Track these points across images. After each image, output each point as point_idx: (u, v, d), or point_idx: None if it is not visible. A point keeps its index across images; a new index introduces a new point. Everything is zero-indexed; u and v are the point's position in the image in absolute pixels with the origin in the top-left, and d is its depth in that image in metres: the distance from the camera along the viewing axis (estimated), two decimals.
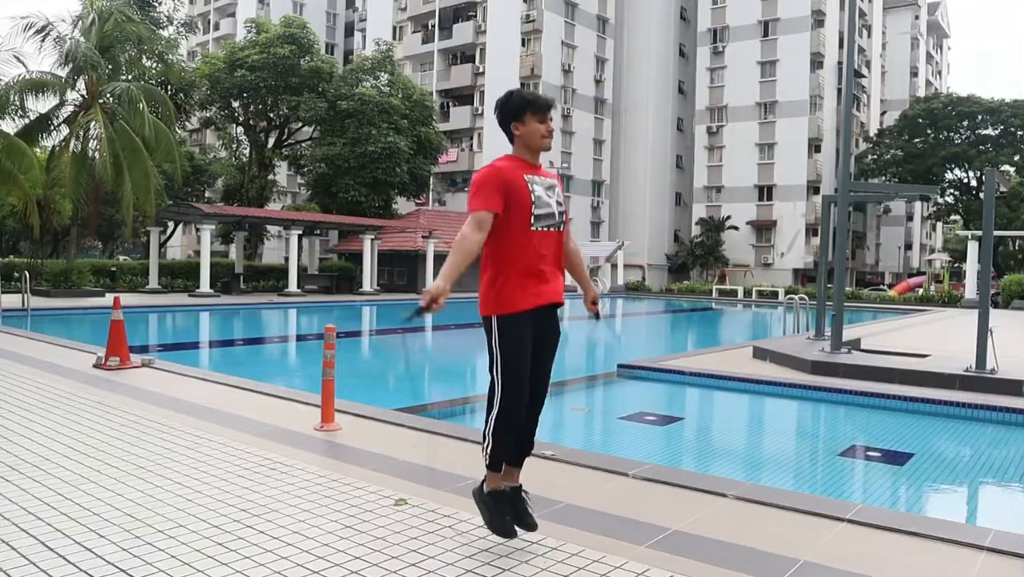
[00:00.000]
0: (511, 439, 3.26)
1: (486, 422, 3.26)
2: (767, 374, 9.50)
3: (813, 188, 46.80)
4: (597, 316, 3.76)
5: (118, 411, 6.09)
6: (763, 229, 48.30)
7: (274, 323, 20.43)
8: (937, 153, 48.33)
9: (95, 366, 8.31)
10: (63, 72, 22.18)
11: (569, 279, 3.79)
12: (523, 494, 3.36)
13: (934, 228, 70.36)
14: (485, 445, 3.26)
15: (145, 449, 4.91)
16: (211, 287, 26.19)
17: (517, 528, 3.30)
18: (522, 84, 45.21)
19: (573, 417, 8.39)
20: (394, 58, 38.76)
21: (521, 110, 3.25)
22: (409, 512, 3.78)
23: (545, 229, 3.24)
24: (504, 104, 3.30)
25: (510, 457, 3.33)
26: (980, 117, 48.13)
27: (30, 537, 3.35)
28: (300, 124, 36.41)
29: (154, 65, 26.86)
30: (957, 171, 50.50)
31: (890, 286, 44.55)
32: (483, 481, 3.37)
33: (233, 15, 61.28)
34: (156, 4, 32.10)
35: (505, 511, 3.28)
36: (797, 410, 8.86)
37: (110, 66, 23.12)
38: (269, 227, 36.66)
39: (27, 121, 22.47)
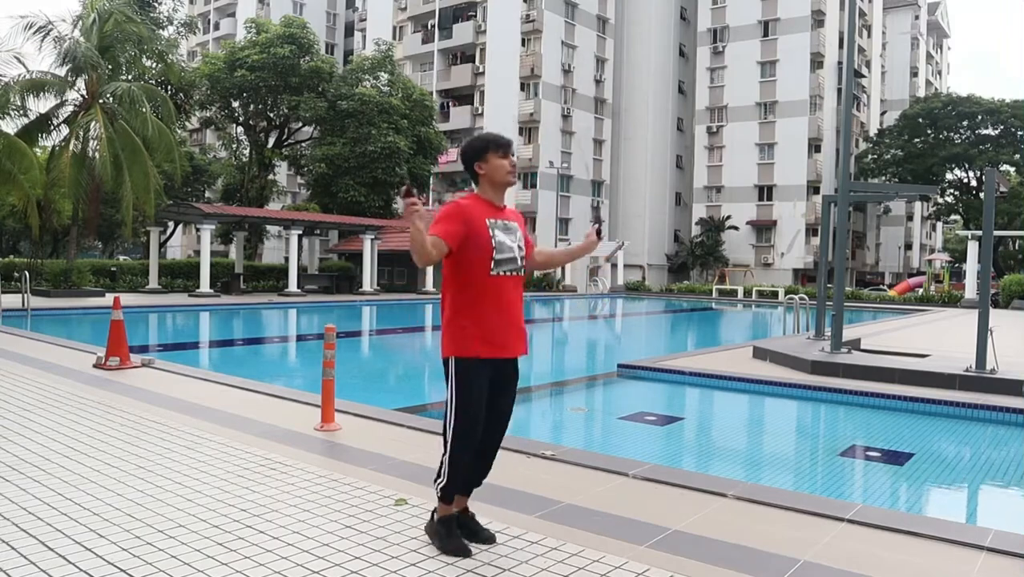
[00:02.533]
0: (464, 474, 3.31)
1: (441, 460, 3.30)
2: (767, 374, 9.50)
3: (813, 188, 46.80)
4: (598, 219, 3.74)
5: (118, 411, 6.09)
6: (763, 229, 48.30)
7: (274, 323, 20.43)
8: (937, 153, 48.32)
9: (95, 366, 8.31)
10: (63, 72, 22.18)
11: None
12: (472, 514, 3.43)
13: (934, 228, 70.36)
14: (439, 481, 3.30)
15: (145, 449, 4.91)
16: (211, 287, 26.19)
17: (473, 544, 3.32)
18: (522, 84, 45.26)
19: (573, 417, 8.39)
20: (394, 58, 38.76)
21: (483, 150, 3.33)
22: (409, 512, 3.78)
23: (506, 274, 3.27)
24: (466, 147, 3.39)
25: (460, 491, 3.38)
26: (980, 117, 48.12)
27: (30, 537, 3.35)
28: (300, 124, 36.41)
29: (154, 65, 26.84)
30: (957, 171, 50.50)
31: (890, 286, 44.54)
32: (432, 512, 3.42)
33: (233, 15, 61.28)
34: (156, 4, 32.12)
35: (454, 533, 3.32)
36: (797, 410, 8.86)
37: (110, 66, 23.11)
38: (269, 227, 36.68)
39: (27, 121, 22.46)
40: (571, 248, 3.73)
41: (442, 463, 3.29)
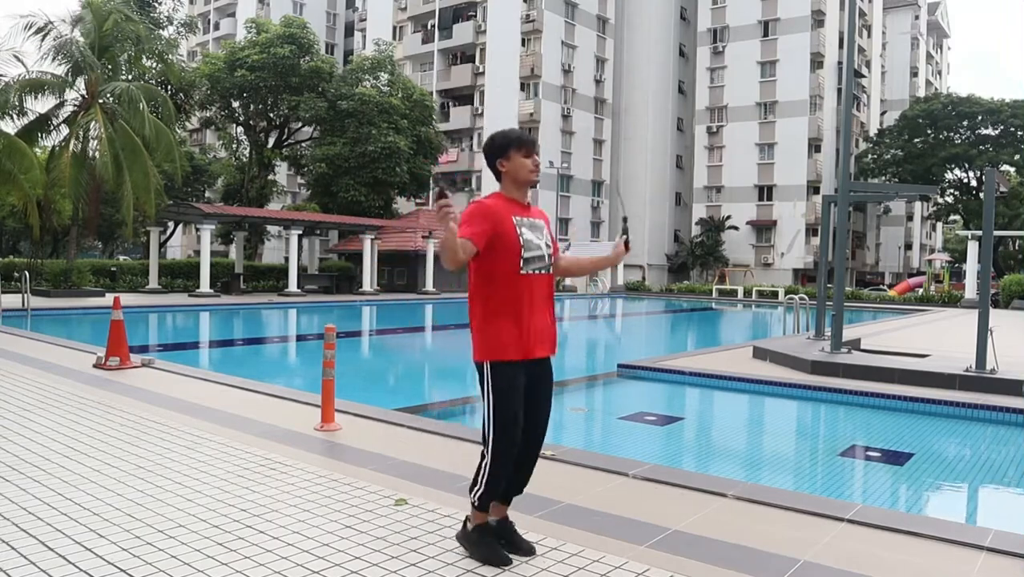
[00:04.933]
0: (502, 484, 3.22)
1: (478, 467, 3.22)
2: (767, 374, 9.50)
3: (813, 188, 46.79)
4: (625, 231, 3.70)
5: (118, 411, 6.09)
6: (763, 229, 48.29)
7: (274, 323, 20.43)
8: (937, 153, 48.31)
9: (95, 366, 8.31)
10: (63, 72, 22.18)
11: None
12: (511, 523, 3.33)
13: (934, 228, 70.35)
14: (476, 489, 3.22)
15: (145, 449, 4.91)
16: (211, 287, 26.19)
17: (513, 555, 3.22)
18: (522, 84, 45.26)
19: (573, 417, 8.39)
20: (394, 58, 38.78)
21: (506, 147, 3.27)
22: (409, 512, 3.78)
23: (535, 272, 3.23)
24: (490, 144, 3.33)
25: (499, 498, 3.29)
26: (980, 117, 48.11)
27: (30, 537, 3.35)
28: (300, 124, 36.41)
29: (154, 65, 26.85)
30: (957, 171, 50.49)
31: (890, 286, 44.53)
32: (465, 521, 3.33)
33: (233, 15, 61.27)
34: (156, 4, 32.11)
35: (492, 541, 3.23)
36: (797, 410, 8.86)
37: (110, 66, 23.12)
38: (269, 227, 36.67)
39: (27, 121, 22.46)
40: (598, 257, 3.60)
41: (479, 471, 3.20)
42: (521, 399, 3.18)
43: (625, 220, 41.12)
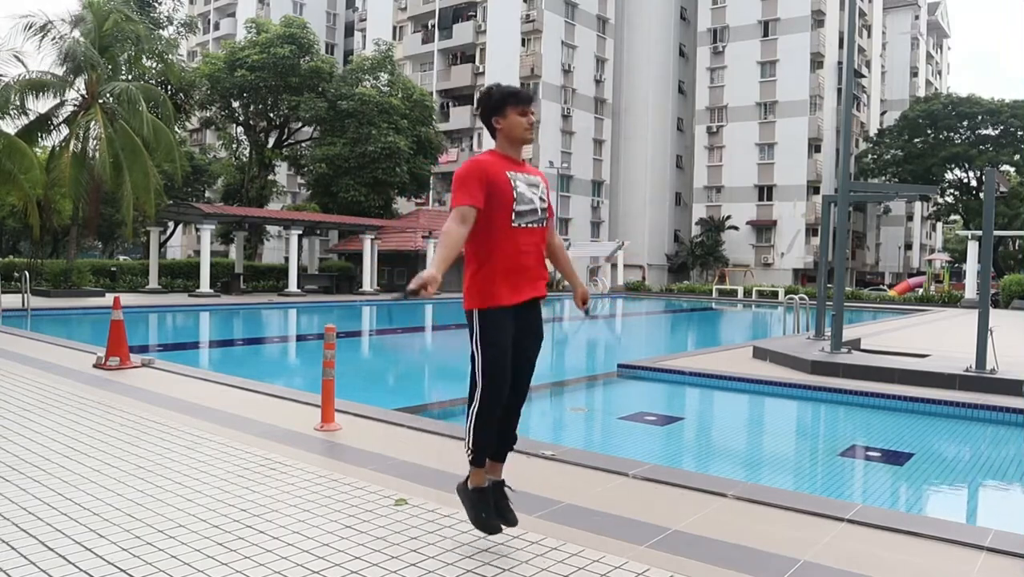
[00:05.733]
0: (492, 434, 3.26)
1: (467, 417, 3.27)
2: (767, 374, 9.50)
3: (813, 188, 46.79)
4: (586, 312, 3.70)
5: (118, 411, 6.09)
6: (763, 229, 48.29)
7: (274, 323, 20.43)
8: (937, 153, 48.32)
9: (95, 366, 8.31)
10: (63, 72, 22.18)
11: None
12: (505, 489, 3.37)
13: (934, 228, 70.34)
14: (467, 441, 3.28)
15: (145, 449, 4.91)
16: (211, 287, 26.20)
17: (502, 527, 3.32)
18: (522, 84, 45.20)
19: (573, 417, 8.39)
20: (394, 58, 38.77)
21: (502, 104, 3.25)
22: (409, 512, 3.78)
23: (527, 226, 3.23)
24: (485, 99, 3.31)
25: (492, 451, 3.33)
26: (980, 117, 48.11)
27: (30, 537, 3.35)
28: (300, 124, 36.42)
29: (154, 65, 26.85)
30: (957, 171, 50.48)
31: (890, 286, 44.53)
32: (467, 477, 3.39)
33: (233, 15, 61.27)
34: (156, 4, 32.11)
35: (488, 507, 3.29)
36: (797, 410, 8.86)
37: (110, 66, 23.12)
38: (269, 227, 36.68)
39: (27, 121, 22.47)
40: (574, 275, 3.64)
41: (468, 418, 3.24)
42: (509, 346, 3.21)
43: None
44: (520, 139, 3.29)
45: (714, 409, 9.25)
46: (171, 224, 41.90)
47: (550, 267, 3.62)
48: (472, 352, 3.24)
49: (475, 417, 3.22)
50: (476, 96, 46.89)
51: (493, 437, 3.28)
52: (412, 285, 2.83)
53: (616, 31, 50.80)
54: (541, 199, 3.31)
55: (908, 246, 62.48)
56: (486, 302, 3.18)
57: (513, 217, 3.18)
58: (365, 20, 54.67)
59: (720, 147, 49.83)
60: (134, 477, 4.29)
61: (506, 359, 3.20)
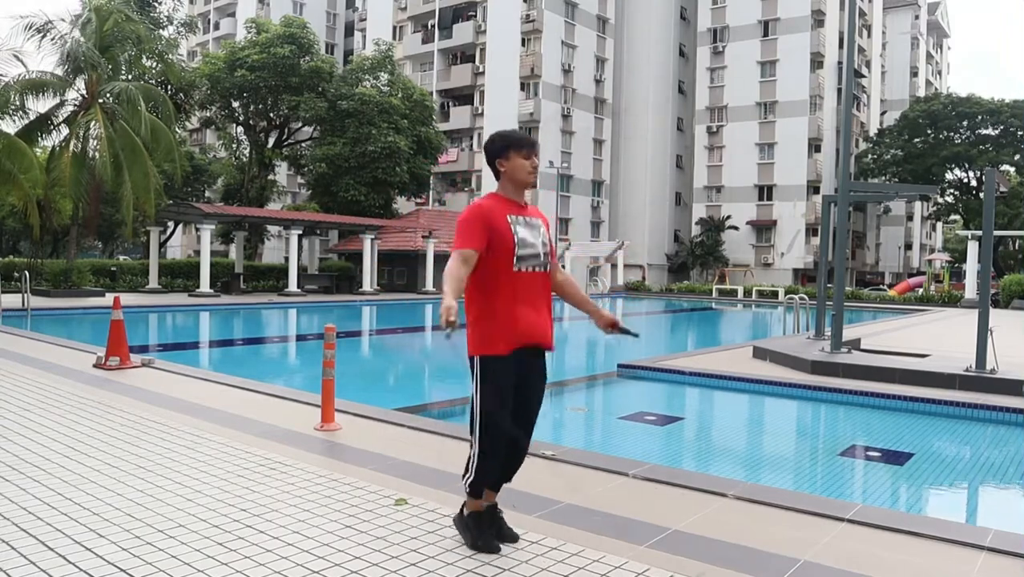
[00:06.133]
0: (495, 471, 3.30)
1: (468, 458, 3.30)
2: (767, 374, 9.50)
3: (813, 188, 46.79)
4: (627, 332, 3.54)
5: (118, 411, 6.09)
6: (763, 229, 48.28)
7: (274, 323, 20.43)
8: (937, 153, 48.31)
9: (95, 366, 8.31)
10: (62, 72, 22.17)
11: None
12: (499, 510, 3.42)
13: (934, 228, 70.33)
14: (467, 478, 3.31)
15: (145, 449, 4.91)
16: (211, 287, 26.20)
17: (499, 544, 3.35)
18: (522, 84, 45.25)
19: (573, 417, 8.39)
20: (394, 58, 38.76)
21: (506, 148, 3.31)
22: (409, 512, 3.78)
23: (529, 270, 3.26)
24: (490, 144, 3.37)
25: (490, 486, 3.36)
26: (980, 117, 48.10)
27: (30, 537, 3.35)
28: (300, 124, 36.42)
29: (154, 65, 26.85)
30: (957, 171, 50.47)
31: (890, 286, 44.53)
32: (462, 506, 3.43)
33: (233, 15, 61.25)
34: (156, 4, 32.10)
35: (486, 530, 3.33)
36: (797, 410, 8.86)
37: (110, 66, 23.11)
38: (269, 227, 36.67)
39: (27, 121, 22.46)
40: (591, 304, 3.53)
41: (469, 459, 3.29)
42: (510, 395, 3.23)
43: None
44: (523, 182, 3.33)
45: (714, 409, 9.25)
46: (171, 224, 41.90)
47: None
48: (473, 397, 3.27)
49: (477, 458, 3.25)
50: (477, 96, 46.96)
51: (495, 475, 3.32)
52: (442, 323, 2.85)
53: (616, 31, 50.79)
54: (543, 243, 3.33)
55: (908, 246, 62.47)
56: (487, 349, 3.20)
57: (515, 262, 3.21)
58: (365, 20, 54.64)
59: (720, 147, 49.83)
60: (134, 477, 4.29)
61: (506, 407, 3.23)
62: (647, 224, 49.87)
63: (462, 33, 47.83)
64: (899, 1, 64.63)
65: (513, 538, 3.37)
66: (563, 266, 37.42)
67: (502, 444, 3.25)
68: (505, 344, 3.19)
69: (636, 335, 3.64)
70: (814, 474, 6.23)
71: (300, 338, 16.94)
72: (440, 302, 2.99)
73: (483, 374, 3.21)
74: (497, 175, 3.36)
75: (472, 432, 3.27)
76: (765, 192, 48.17)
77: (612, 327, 3.48)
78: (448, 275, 3.07)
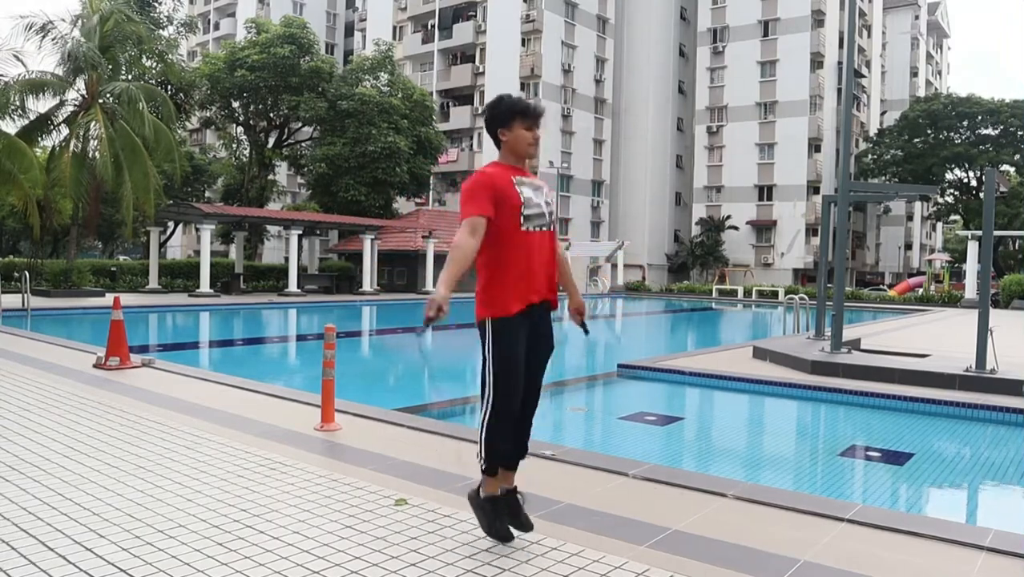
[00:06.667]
0: (506, 441, 3.27)
1: (480, 426, 3.28)
2: (767, 374, 9.50)
3: (813, 188, 46.79)
4: (583, 327, 3.61)
5: (118, 411, 6.09)
6: (763, 229, 48.29)
7: (274, 323, 20.43)
8: (937, 153, 48.31)
9: (95, 366, 8.31)
10: (62, 72, 22.18)
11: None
12: (517, 496, 3.38)
13: (934, 228, 70.34)
14: (480, 449, 3.29)
15: (145, 449, 4.91)
16: (211, 287, 26.19)
17: (514, 529, 3.33)
18: (522, 84, 45.23)
19: (573, 417, 8.39)
20: (394, 58, 38.76)
21: (510, 117, 3.29)
22: (409, 512, 3.78)
23: (536, 229, 3.27)
24: (493, 109, 3.33)
25: (505, 461, 3.34)
26: (980, 117, 48.10)
27: (30, 537, 3.35)
28: (300, 124, 36.42)
29: (154, 65, 26.86)
30: (957, 171, 50.48)
31: (890, 286, 44.52)
32: (479, 486, 3.39)
33: (233, 15, 61.27)
34: (156, 4, 32.11)
35: (501, 515, 3.31)
36: (797, 410, 8.86)
37: (110, 66, 23.11)
38: (269, 227, 36.68)
39: (27, 121, 22.46)
40: (572, 285, 3.62)
41: (481, 428, 3.25)
42: (521, 355, 3.22)
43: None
44: (524, 154, 3.33)
45: (714, 409, 9.25)
46: (171, 224, 41.90)
47: None
48: (483, 360, 3.25)
49: (487, 425, 3.23)
50: (477, 96, 46.93)
51: (507, 445, 3.29)
52: (429, 313, 2.88)
53: (616, 31, 50.79)
54: (547, 203, 3.35)
55: (908, 246, 62.47)
56: (497, 311, 3.19)
57: (522, 221, 3.22)
58: (365, 20, 54.66)
59: (720, 147, 49.83)
60: (134, 477, 4.29)
61: (518, 368, 3.22)
62: (647, 224, 49.87)
63: (462, 33, 47.83)
64: (899, 1, 64.63)
65: (528, 526, 3.33)
66: None
67: (515, 402, 3.23)
68: (516, 303, 3.19)
69: (587, 332, 3.75)
70: (814, 474, 6.23)
71: (300, 338, 16.94)
72: (434, 292, 2.97)
73: (495, 336, 3.19)
74: (497, 143, 3.35)
75: (483, 397, 3.24)
76: (765, 192, 48.18)
77: (578, 314, 3.53)
78: (456, 252, 3.05)
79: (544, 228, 3.30)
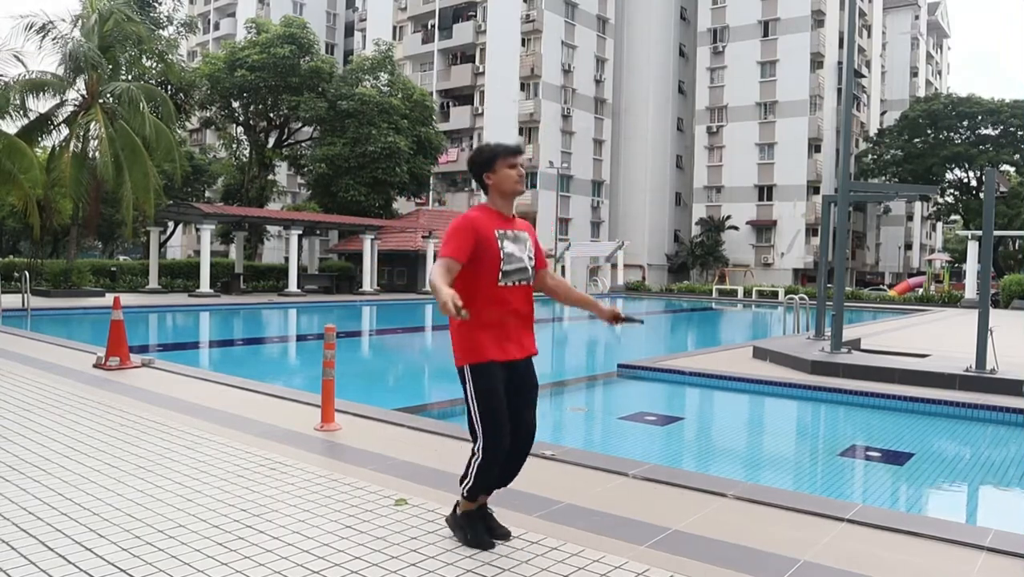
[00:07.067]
0: (493, 478, 3.34)
1: (469, 463, 3.32)
2: (767, 374, 9.50)
3: (813, 188, 46.80)
4: (629, 320, 3.61)
5: (118, 411, 6.09)
6: (763, 229, 48.29)
7: (274, 323, 20.43)
8: (937, 153, 48.31)
9: (95, 366, 8.31)
10: (63, 72, 22.17)
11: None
12: (488, 509, 3.47)
13: (934, 228, 70.34)
14: (466, 484, 3.33)
15: (145, 449, 4.91)
16: (211, 287, 26.19)
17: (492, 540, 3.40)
18: (522, 84, 45.25)
19: (573, 417, 8.40)
20: (394, 58, 38.76)
21: (491, 161, 3.32)
22: (409, 512, 3.78)
23: (514, 284, 3.30)
24: (474, 159, 3.37)
25: (489, 491, 3.42)
26: (980, 117, 48.10)
27: (30, 537, 3.35)
28: (300, 124, 36.42)
29: (154, 65, 26.85)
30: (957, 171, 50.47)
31: (890, 286, 44.52)
32: (455, 507, 3.47)
33: (233, 15, 61.26)
34: (156, 4, 32.11)
35: (478, 525, 3.38)
36: (797, 410, 8.86)
37: (110, 66, 23.11)
38: (269, 227, 36.67)
39: (27, 121, 22.46)
40: (590, 300, 3.64)
41: (469, 466, 3.31)
42: (504, 400, 3.26)
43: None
44: (511, 191, 3.36)
45: (714, 409, 9.25)
46: (171, 224, 41.90)
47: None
48: (469, 407, 3.29)
49: (478, 466, 3.28)
50: (477, 96, 46.94)
51: (493, 481, 3.36)
52: (449, 312, 2.81)
53: (616, 31, 50.80)
54: (530, 257, 3.37)
55: (908, 246, 62.48)
56: (475, 357, 3.23)
57: (500, 277, 3.25)
58: (365, 20, 54.65)
59: (720, 147, 49.84)
60: (134, 477, 4.29)
61: (502, 408, 3.25)
62: (647, 224, 49.87)
63: (462, 33, 47.83)
64: (899, 1, 64.63)
65: (505, 535, 3.42)
66: (563, 267, 37.60)
67: (505, 442, 3.26)
68: (492, 351, 3.22)
69: (641, 321, 3.70)
70: (814, 474, 6.23)
71: (300, 338, 16.94)
72: (438, 297, 2.96)
73: (475, 381, 3.24)
74: (484, 189, 3.38)
75: (474, 439, 3.30)
76: (765, 192, 48.18)
77: (616, 319, 3.53)
78: (434, 276, 3.07)
79: (524, 282, 3.34)
